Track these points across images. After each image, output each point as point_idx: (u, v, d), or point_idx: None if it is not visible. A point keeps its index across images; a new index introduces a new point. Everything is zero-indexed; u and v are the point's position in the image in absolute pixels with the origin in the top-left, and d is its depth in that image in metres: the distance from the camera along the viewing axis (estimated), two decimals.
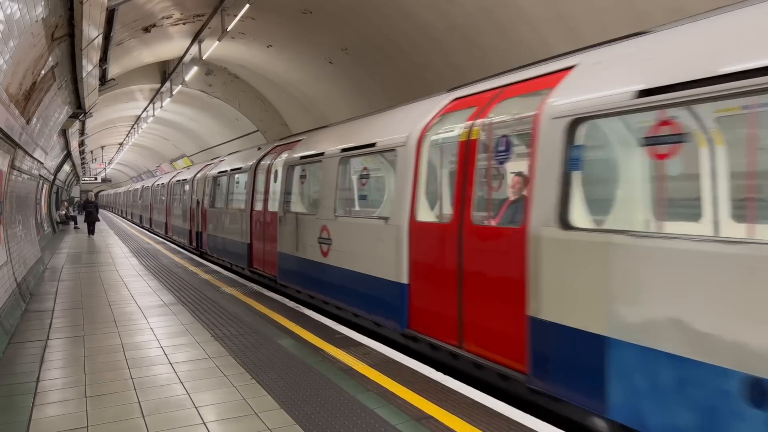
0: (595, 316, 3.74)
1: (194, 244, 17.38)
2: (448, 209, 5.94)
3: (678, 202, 4.76)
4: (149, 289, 9.90)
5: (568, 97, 4.24)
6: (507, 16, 9.90)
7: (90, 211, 23.20)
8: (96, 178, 58.48)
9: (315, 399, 4.51)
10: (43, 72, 7.74)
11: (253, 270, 11.53)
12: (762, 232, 3.84)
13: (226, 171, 14.01)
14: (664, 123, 3.76)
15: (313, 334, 6.55)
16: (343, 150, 7.78)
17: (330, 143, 8.36)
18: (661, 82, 3.46)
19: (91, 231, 22.74)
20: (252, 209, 11.53)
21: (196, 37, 15.42)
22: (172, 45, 16.32)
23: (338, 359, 5.58)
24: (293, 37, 15.00)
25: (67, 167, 28.67)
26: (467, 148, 5.34)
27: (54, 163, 20.69)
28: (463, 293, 5.22)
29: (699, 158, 4.66)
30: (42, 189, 19.19)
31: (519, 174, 5.37)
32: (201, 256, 16.29)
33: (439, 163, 6.25)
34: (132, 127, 34.55)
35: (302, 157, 9.32)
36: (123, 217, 45.21)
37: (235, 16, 12.30)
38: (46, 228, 21.56)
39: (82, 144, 29.17)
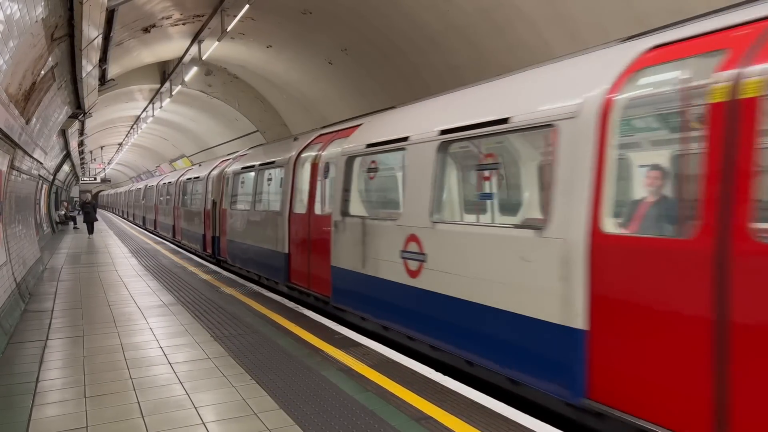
0: None
1: (209, 250, 15.24)
2: (679, 220, 3.79)
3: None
4: (149, 290, 9.89)
5: None
6: (506, 17, 9.91)
7: (88, 211, 23.85)
8: (95, 179, 58.45)
9: (314, 399, 4.51)
10: (42, 72, 7.74)
11: (292, 285, 9.41)
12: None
13: (252, 166, 11.81)
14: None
15: (313, 335, 6.56)
16: (445, 131, 5.61)
17: (417, 124, 6.32)
18: None
19: (90, 230, 23.26)
20: (291, 212, 9.34)
21: (196, 38, 15.42)
22: (171, 45, 16.32)
23: (337, 359, 5.58)
24: (293, 38, 15.00)
25: (66, 167, 28.66)
26: (735, 114, 3.18)
27: (53, 164, 20.69)
28: (728, 362, 3.11)
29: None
30: (41, 189, 19.19)
31: None
32: (218, 264, 14.17)
33: (647, 142, 4.76)
34: (131, 127, 34.54)
35: (371, 145, 7.12)
36: (124, 218, 43.23)
37: (235, 16, 12.30)
38: (45, 228, 21.55)
39: (81, 144, 29.16)
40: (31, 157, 11.56)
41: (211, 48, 15.05)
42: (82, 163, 41.38)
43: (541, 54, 9.26)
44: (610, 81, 3.99)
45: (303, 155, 9.48)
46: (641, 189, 4.33)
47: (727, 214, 3.13)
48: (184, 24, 14.33)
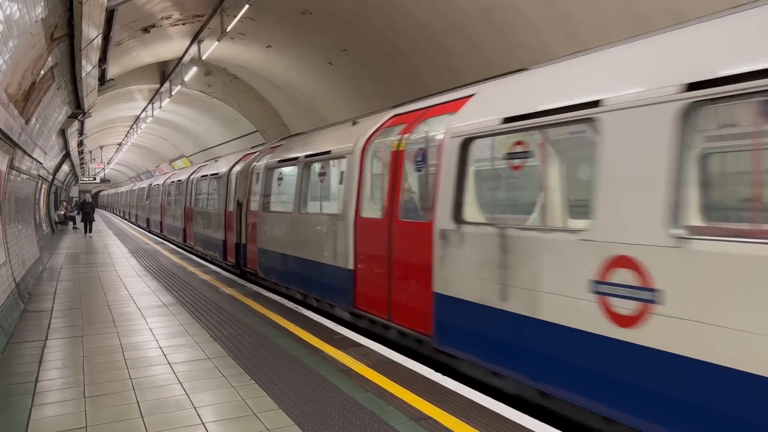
0: None
1: (231, 259, 12.86)
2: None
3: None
4: (148, 290, 9.89)
5: None
6: (506, 18, 9.91)
7: (87, 211, 24.33)
8: (95, 178, 58.46)
9: (314, 399, 4.51)
10: (42, 72, 7.74)
11: (359, 312, 7.16)
12: None
13: (294, 159, 9.52)
14: None
15: (312, 335, 6.56)
16: (698, 85, 3.37)
17: (618, 80, 4.07)
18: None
19: (88, 230, 23.69)
20: (358, 215, 7.18)
21: (196, 38, 15.42)
22: (171, 45, 16.32)
23: (337, 360, 5.58)
24: (293, 38, 15.00)
25: (65, 167, 28.66)
26: None
27: (53, 163, 20.69)
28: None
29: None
30: (41, 189, 19.19)
31: None
32: (243, 276, 11.91)
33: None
34: (131, 127, 34.53)
35: (513, 119, 4.83)
36: (126, 219, 41.09)
37: (235, 16, 12.30)
38: (44, 228, 21.54)
39: (81, 144, 29.15)
40: (31, 157, 11.56)
41: (210, 48, 15.04)
42: (81, 163, 41.38)
43: (541, 55, 9.27)
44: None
45: (376, 141, 7.30)
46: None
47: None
48: (183, 24, 14.33)
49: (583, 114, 4.14)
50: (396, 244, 6.35)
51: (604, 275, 3.83)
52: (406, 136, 6.52)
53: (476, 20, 10.42)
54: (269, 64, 17.94)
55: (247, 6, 11.45)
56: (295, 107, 20.61)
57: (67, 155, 23.08)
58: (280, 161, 10.27)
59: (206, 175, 16.13)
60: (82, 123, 18.77)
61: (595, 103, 4.04)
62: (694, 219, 4.22)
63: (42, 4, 5.71)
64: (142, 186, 33.99)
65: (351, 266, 7.25)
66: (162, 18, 13.22)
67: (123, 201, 46.42)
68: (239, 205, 12.28)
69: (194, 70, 16.97)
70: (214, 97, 23.80)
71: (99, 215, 40.75)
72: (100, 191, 76.14)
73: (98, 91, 12.72)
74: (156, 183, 27.19)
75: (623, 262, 3.71)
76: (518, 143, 5.07)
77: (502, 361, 4.78)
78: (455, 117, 5.67)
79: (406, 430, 3.93)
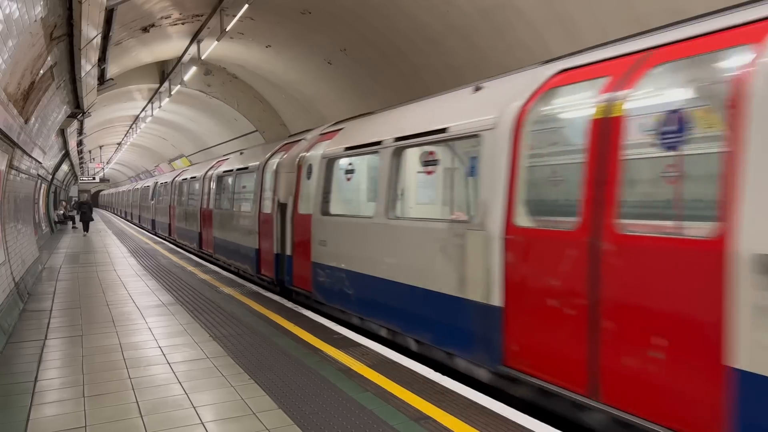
0: None
1: (268, 273, 10.32)
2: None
3: None
4: (147, 289, 9.88)
5: None
6: (506, 18, 9.91)
7: (84, 211, 24.70)
8: (94, 178, 58.43)
9: (313, 399, 4.51)
10: (41, 71, 7.74)
11: (519, 375, 4.60)
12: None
13: (374, 144, 6.99)
14: None
15: (312, 335, 6.55)
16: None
17: None
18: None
19: (85, 229, 24.18)
20: (510, 225, 4.73)
21: (195, 37, 15.41)
22: (170, 45, 16.31)
23: (336, 359, 5.58)
24: (292, 38, 14.99)
25: (65, 167, 28.65)
26: None
27: (52, 163, 20.67)
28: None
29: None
30: (40, 188, 19.17)
31: None
32: (285, 295, 9.36)
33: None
34: (130, 127, 34.50)
35: None
36: (128, 221, 38.31)
37: (234, 16, 12.29)
38: (44, 227, 21.53)
39: (80, 144, 29.13)
40: (30, 156, 11.55)
41: (210, 48, 15.03)
42: (80, 163, 41.35)
43: (541, 55, 9.26)
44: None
45: (540, 108, 4.86)
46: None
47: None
48: (183, 24, 14.32)
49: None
50: (613, 274, 3.84)
51: None
52: (623, 93, 3.94)
53: (476, 20, 10.42)
54: (269, 63, 17.93)
55: (246, 6, 11.44)
56: (294, 107, 20.60)
57: (66, 155, 23.06)
58: (348, 149, 7.65)
59: (230, 171, 13.36)
60: (81, 122, 18.76)
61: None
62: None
63: (41, 3, 5.71)
64: (146, 184, 31.05)
65: (497, 302, 4.77)
66: (161, 17, 13.21)
67: (125, 201, 43.00)
68: (281, 206, 9.60)
69: (193, 69, 16.96)
70: (213, 96, 23.80)
71: (99, 216, 40.74)
72: (100, 191, 76.05)
73: (97, 90, 12.70)
74: (164, 180, 24.39)
75: None
76: None
77: None
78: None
79: (406, 430, 3.93)
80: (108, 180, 70.39)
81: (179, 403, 4.47)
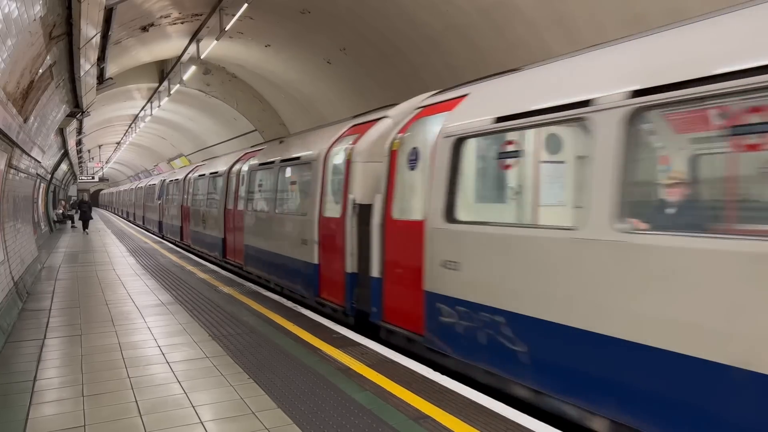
0: None
1: (336, 298, 7.64)
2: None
3: None
4: (146, 289, 9.88)
5: None
6: (505, 17, 9.91)
7: (84, 210, 25.40)
8: (93, 177, 58.42)
9: (312, 398, 4.51)
10: (40, 71, 7.73)
11: None
12: None
13: (559, 109, 4.25)
14: None
15: (311, 334, 6.55)
16: None
17: None
18: None
19: (85, 227, 25.00)
20: None
21: (194, 37, 15.41)
22: (170, 44, 16.30)
23: (336, 359, 5.58)
24: (291, 37, 14.99)
25: (64, 166, 28.63)
26: None
27: (51, 162, 20.66)
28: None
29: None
30: (39, 188, 19.15)
31: None
32: (367, 331, 6.88)
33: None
34: (129, 126, 34.48)
35: None
36: (132, 222, 35.20)
37: (234, 15, 12.29)
38: (43, 227, 21.51)
39: (79, 143, 29.12)
40: (29, 155, 11.54)
41: (209, 47, 15.03)
42: (80, 162, 41.35)
43: (540, 54, 9.27)
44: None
45: None
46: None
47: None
48: (182, 23, 14.32)
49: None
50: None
51: None
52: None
53: (475, 19, 10.42)
54: (268, 63, 17.93)
55: (245, 5, 11.44)
56: (293, 106, 20.60)
57: (65, 154, 23.06)
58: (503, 119, 4.82)
59: (268, 163, 10.63)
60: (80, 122, 18.74)
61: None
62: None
63: (40, 2, 5.70)
64: (152, 182, 28.55)
65: None
66: (160, 17, 13.20)
67: (128, 200, 39.48)
68: (360, 209, 7.03)
69: (193, 69, 16.96)
70: (212, 96, 23.79)
71: (99, 216, 40.72)
72: (100, 190, 75.94)
73: (97, 89, 12.69)
74: (174, 178, 21.62)
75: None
76: None
77: None
78: None
79: (405, 429, 3.93)
80: (107, 179, 70.36)
81: (178, 402, 4.47)
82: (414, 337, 5.92)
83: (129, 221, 37.02)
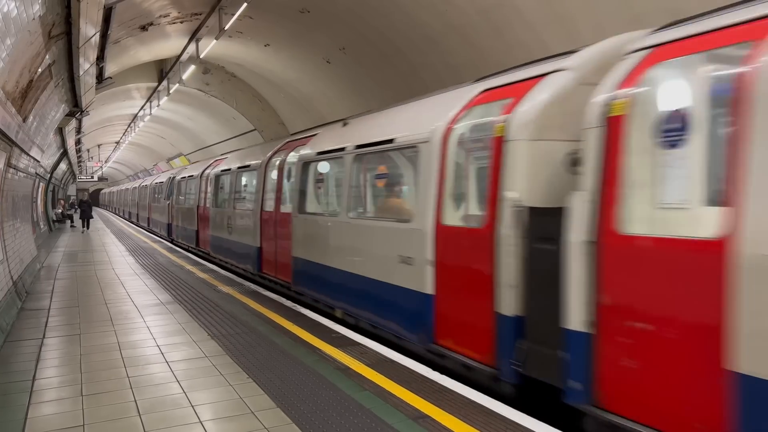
0: None
1: (483, 354, 4.89)
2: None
3: None
4: (146, 288, 9.88)
5: None
6: (504, 17, 9.91)
7: (84, 209, 26.00)
8: (92, 177, 58.39)
9: (312, 398, 4.51)
10: (39, 70, 7.72)
11: None
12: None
13: None
14: None
15: (310, 333, 6.55)
16: None
17: None
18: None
19: (85, 225, 25.55)
20: None
21: (194, 36, 15.40)
22: (169, 43, 16.29)
23: (335, 358, 5.58)
24: (291, 37, 14.98)
25: (63, 165, 28.61)
26: None
27: (50, 162, 20.64)
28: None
29: None
30: (38, 187, 19.14)
31: None
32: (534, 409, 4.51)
33: None
34: (129, 125, 34.48)
35: None
36: (135, 224, 32.87)
37: (233, 14, 12.28)
38: (42, 226, 21.49)
39: (78, 142, 29.10)
40: (28, 155, 11.53)
41: (208, 46, 15.02)
42: (79, 162, 41.31)
43: (540, 54, 9.26)
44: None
45: None
46: None
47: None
48: (181, 22, 14.31)
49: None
50: None
51: None
52: None
53: (475, 19, 10.42)
54: (267, 62, 17.92)
55: (245, 4, 11.43)
56: (293, 106, 20.59)
57: (64, 153, 23.04)
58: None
59: (338, 150, 7.94)
60: (79, 121, 18.72)
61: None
62: None
63: (39, 1, 5.69)
64: (158, 180, 25.96)
65: None
66: (160, 16, 13.19)
67: (132, 200, 36.87)
68: (528, 215, 4.54)
69: (192, 68, 16.95)
70: (212, 95, 23.79)
71: (99, 216, 40.72)
72: (101, 189, 75.82)
73: (96, 89, 12.69)
74: (188, 174, 18.98)
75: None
76: None
77: None
78: None
79: (405, 429, 3.93)
80: (106, 179, 70.32)
81: (177, 401, 4.47)
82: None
83: (132, 222, 34.50)
